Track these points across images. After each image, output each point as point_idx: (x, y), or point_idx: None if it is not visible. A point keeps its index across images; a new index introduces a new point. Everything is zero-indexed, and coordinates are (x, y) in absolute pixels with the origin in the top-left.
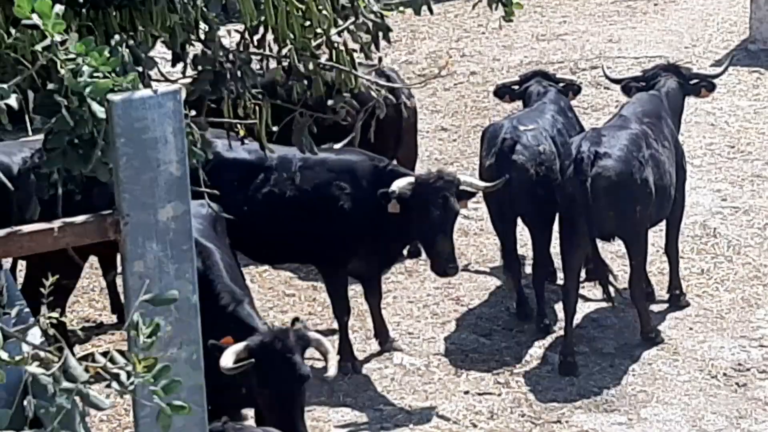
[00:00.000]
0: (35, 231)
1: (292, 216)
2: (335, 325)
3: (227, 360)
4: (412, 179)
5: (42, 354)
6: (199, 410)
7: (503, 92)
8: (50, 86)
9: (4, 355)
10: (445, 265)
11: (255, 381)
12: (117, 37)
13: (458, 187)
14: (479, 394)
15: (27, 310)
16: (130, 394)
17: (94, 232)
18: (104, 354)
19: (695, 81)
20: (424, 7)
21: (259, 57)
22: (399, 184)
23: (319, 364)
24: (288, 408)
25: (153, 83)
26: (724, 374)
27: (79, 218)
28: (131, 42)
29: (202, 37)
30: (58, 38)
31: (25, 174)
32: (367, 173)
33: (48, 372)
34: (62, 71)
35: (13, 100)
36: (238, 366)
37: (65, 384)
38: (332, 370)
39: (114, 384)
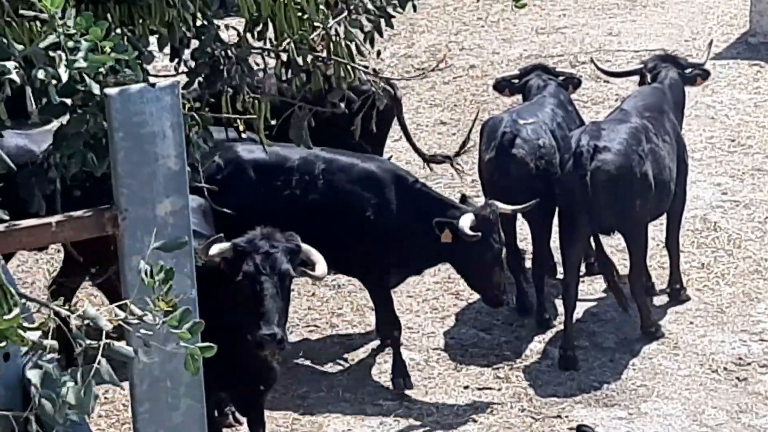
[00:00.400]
0: (33, 226)
1: (316, 223)
2: (334, 320)
3: (212, 250)
4: (473, 216)
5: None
6: (198, 406)
7: (503, 86)
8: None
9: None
10: (501, 295)
11: (239, 276)
12: (118, 30)
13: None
14: (479, 389)
15: (28, 304)
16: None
17: (92, 227)
18: (121, 308)
19: (689, 70)
20: (412, 3)
21: (258, 51)
22: (465, 224)
23: (319, 367)
24: (266, 303)
25: (150, 78)
26: (725, 368)
27: (77, 213)
28: (130, 36)
29: (201, 31)
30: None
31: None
32: (396, 187)
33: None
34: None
35: (14, 75)
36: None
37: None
38: (319, 271)
39: (142, 330)
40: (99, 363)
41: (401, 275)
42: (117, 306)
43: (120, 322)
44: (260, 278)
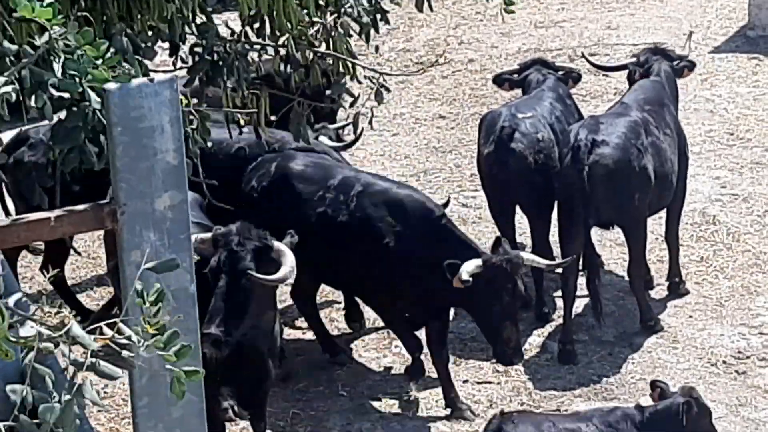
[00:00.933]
0: (32, 221)
1: (342, 242)
2: (333, 314)
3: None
4: (479, 263)
5: (46, 333)
6: (197, 400)
7: (502, 80)
8: (49, 80)
9: (9, 334)
10: (512, 354)
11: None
12: (117, 25)
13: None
14: (478, 383)
15: (25, 299)
16: (135, 365)
17: (91, 222)
18: (110, 326)
19: (677, 62)
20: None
21: (257, 47)
22: (467, 268)
23: (319, 362)
24: (214, 301)
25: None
26: (724, 362)
27: (76, 208)
28: (130, 31)
29: (201, 28)
30: (57, 29)
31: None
32: (421, 220)
33: (51, 355)
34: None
35: (9, 89)
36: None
37: (75, 358)
38: (280, 274)
39: (124, 353)
40: (83, 382)
41: (422, 315)
42: (107, 324)
43: (107, 341)
44: (218, 275)
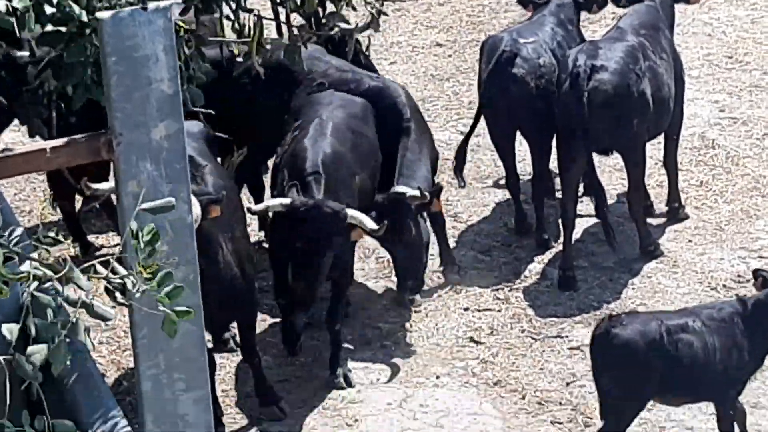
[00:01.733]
0: (28, 152)
1: None
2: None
3: None
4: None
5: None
6: (196, 330)
7: (527, 1)
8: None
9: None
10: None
11: None
12: None
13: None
14: (479, 311)
15: (23, 232)
16: (133, 303)
17: (86, 152)
18: (104, 265)
19: None
20: None
21: None
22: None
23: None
24: None
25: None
26: (724, 286)
27: (73, 138)
28: None
29: None
30: None
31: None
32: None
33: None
34: None
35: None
36: None
37: (70, 296)
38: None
39: (118, 294)
40: (76, 322)
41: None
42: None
43: (102, 279)
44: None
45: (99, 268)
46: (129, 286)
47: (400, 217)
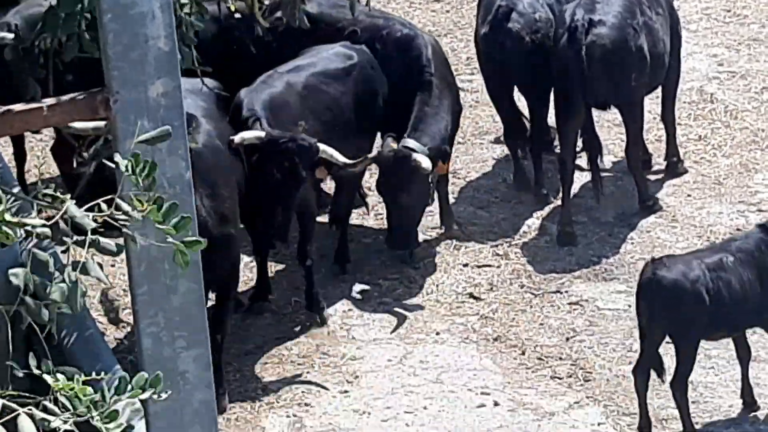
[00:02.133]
0: (25, 110)
1: None
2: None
3: None
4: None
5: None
6: (197, 288)
7: None
8: None
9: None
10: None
11: None
12: None
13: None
14: (478, 267)
15: (20, 191)
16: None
17: (84, 110)
18: (108, 203)
19: None
20: None
21: None
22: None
23: (319, 249)
24: None
25: None
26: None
27: (69, 96)
28: None
29: None
30: None
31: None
32: None
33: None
34: None
35: None
36: None
37: (75, 237)
38: None
39: (124, 231)
40: (85, 259)
41: None
42: (104, 201)
43: (105, 217)
44: None
45: (102, 206)
46: (135, 215)
47: (403, 174)
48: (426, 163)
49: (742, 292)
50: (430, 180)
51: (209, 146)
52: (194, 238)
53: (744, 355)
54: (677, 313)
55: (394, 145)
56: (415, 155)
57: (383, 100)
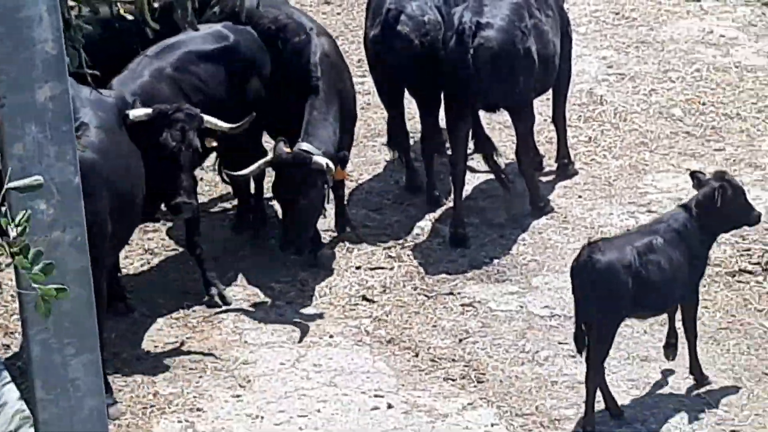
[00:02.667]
0: None
1: None
2: (227, 205)
3: None
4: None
5: None
6: (85, 293)
7: None
8: None
9: None
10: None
11: None
12: None
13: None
14: (371, 269)
15: None
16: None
17: None
18: None
19: None
20: None
21: None
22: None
23: (212, 250)
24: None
25: None
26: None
27: None
28: None
29: None
30: None
31: None
32: None
33: None
34: None
35: None
36: None
37: None
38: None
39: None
40: None
41: None
42: None
43: None
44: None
45: None
46: (3, 261)
47: (302, 177)
48: (326, 165)
49: (671, 272)
50: (326, 184)
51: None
52: (61, 286)
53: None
54: (608, 294)
55: (287, 149)
56: (315, 158)
57: (266, 84)
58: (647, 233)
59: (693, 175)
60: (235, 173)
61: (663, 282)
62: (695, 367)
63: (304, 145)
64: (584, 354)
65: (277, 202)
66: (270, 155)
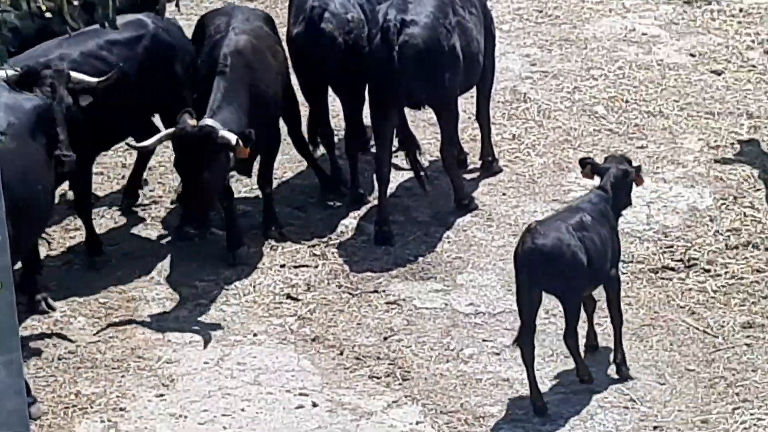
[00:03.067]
0: None
1: None
2: (145, 201)
3: None
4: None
5: None
6: (6, 293)
7: None
8: None
9: None
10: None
11: None
12: None
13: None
14: (295, 267)
15: None
16: None
17: None
18: None
19: None
20: None
21: None
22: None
23: (133, 249)
24: None
25: None
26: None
27: None
28: None
29: None
30: None
31: None
32: None
33: None
34: None
35: None
36: None
37: None
38: None
39: None
40: None
41: None
42: None
43: None
44: None
45: None
46: None
47: (206, 151)
48: (232, 139)
49: (602, 246)
50: (230, 162)
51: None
52: None
53: (590, 304)
54: (561, 274)
55: (192, 122)
56: (221, 132)
57: (187, 72)
58: (575, 211)
59: (582, 162)
60: (137, 145)
61: (596, 256)
62: (619, 352)
63: (209, 121)
64: (520, 350)
65: (179, 175)
66: (172, 128)
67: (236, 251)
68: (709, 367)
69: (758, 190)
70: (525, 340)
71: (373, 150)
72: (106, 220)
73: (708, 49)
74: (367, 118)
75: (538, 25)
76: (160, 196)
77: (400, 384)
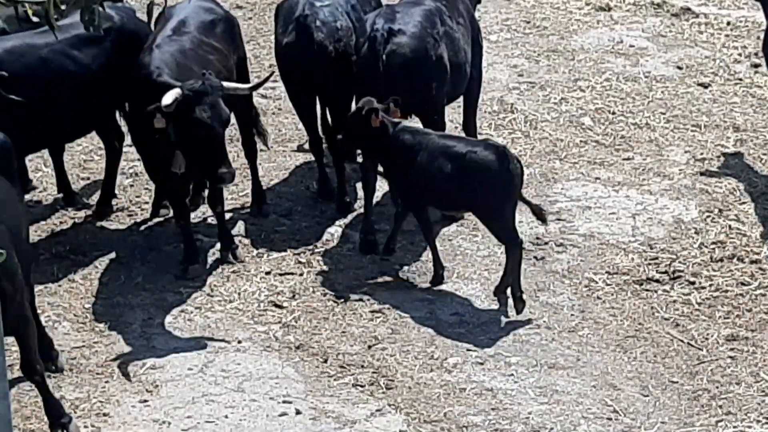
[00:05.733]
0: None
1: None
2: (133, 208)
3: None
4: (179, 90)
5: None
6: None
7: None
8: None
9: None
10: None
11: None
12: None
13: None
14: (281, 274)
15: None
16: None
17: None
18: None
19: None
20: None
21: None
22: (166, 99)
23: (119, 256)
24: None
25: None
26: (523, 248)
27: None
28: None
29: None
30: None
31: None
32: None
33: None
34: None
35: None
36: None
37: None
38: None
39: None
40: None
41: None
42: None
43: None
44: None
45: None
46: None
47: None
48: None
49: None
50: None
51: None
52: None
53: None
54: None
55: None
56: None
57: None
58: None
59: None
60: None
61: None
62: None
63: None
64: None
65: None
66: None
67: (190, 266)
68: (692, 379)
69: (743, 203)
70: None
71: (360, 159)
72: (91, 225)
73: (695, 62)
74: None
75: (526, 36)
76: (146, 202)
77: (383, 392)
